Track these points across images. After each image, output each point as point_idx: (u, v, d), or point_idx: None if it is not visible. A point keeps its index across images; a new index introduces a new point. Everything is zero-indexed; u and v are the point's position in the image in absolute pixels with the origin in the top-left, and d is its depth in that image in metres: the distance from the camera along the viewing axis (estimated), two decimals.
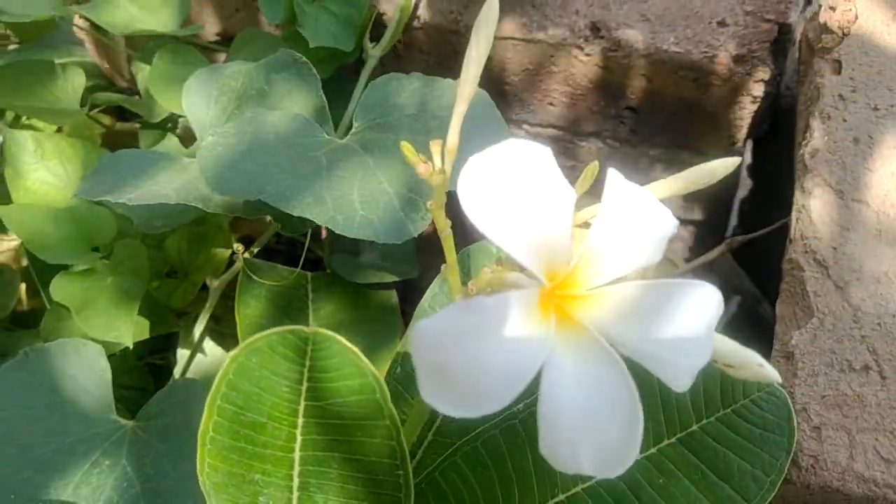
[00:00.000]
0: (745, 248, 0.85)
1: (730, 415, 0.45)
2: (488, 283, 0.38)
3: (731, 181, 0.87)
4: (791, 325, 0.48)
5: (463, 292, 0.42)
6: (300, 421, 0.37)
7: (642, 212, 0.33)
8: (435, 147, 0.42)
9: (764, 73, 0.69)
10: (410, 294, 0.83)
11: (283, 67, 0.65)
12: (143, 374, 0.84)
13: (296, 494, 0.38)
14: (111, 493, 0.55)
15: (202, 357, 0.74)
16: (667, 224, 0.33)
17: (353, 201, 0.53)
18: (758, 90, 0.70)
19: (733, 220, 0.93)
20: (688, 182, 0.40)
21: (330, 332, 0.35)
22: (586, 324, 0.31)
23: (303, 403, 0.36)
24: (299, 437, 0.37)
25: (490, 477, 0.47)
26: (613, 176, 0.33)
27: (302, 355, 0.35)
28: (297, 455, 0.38)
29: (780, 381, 0.31)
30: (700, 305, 0.32)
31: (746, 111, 0.73)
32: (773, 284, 0.81)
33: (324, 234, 0.92)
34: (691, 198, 0.86)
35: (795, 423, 0.43)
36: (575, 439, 0.30)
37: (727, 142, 0.77)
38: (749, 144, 0.85)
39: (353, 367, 0.35)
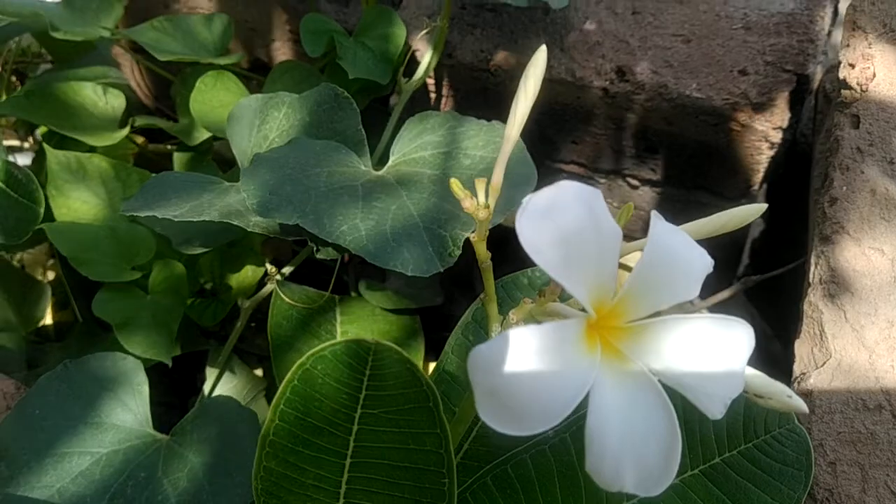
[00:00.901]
0: (757, 287, 0.88)
1: (751, 449, 0.47)
2: (529, 313, 0.40)
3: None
4: (809, 365, 0.50)
5: (499, 321, 0.45)
6: (355, 428, 0.39)
7: (682, 252, 0.36)
8: (479, 184, 0.45)
9: (782, 121, 0.72)
10: (429, 317, 0.86)
11: (326, 100, 0.68)
12: (169, 389, 0.87)
13: (342, 502, 0.41)
14: None
15: (230, 375, 0.77)
16: (703, 264, 0.36)
17: (385, 232, 0.56)
18: (775, 137, 0.73)
19: (745, 260, 0.96)
20: (718, 225, 0.43)
21: (390, 344, 0.37)
22: (629, 353, 0.34)
23: (359, 411, 0.39)
24: (352, 444, 0.39)
25: (518, 500, 0.49)
26: (657, 218, 0.35)
27: (363, 364, 0.38)
28: (348, 462, 0.40)
29: (806, 411, 0.33)
30: (734, 340, 0.34)
31: (763, 156, 0.76)
32: (784, 323, 0.83)
33: (346, 257, 0.95)
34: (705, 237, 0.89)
35: (813, 458, 0.46)
36: (619, 459, 0.32)
37: (744, 185, 0.80)
38: (763, 190, 0.88)
39: (410, 376, 0.38)
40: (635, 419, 0.32)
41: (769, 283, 0.88)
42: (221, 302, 0.77)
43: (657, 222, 0.35)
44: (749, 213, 0.43)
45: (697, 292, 0.35)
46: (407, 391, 0.38)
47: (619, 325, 0.34)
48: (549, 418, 0.31)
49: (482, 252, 0.45)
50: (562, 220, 0.32)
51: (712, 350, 0.34)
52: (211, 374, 0.75)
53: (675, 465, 0.32)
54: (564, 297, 0.40)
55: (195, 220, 0.59)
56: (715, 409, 0.33)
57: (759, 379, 0.36)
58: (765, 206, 0.43)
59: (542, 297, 0.40)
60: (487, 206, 0.44)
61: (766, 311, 0.86)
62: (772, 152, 0.75)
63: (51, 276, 1.01)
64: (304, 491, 0.41)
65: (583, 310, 0.35)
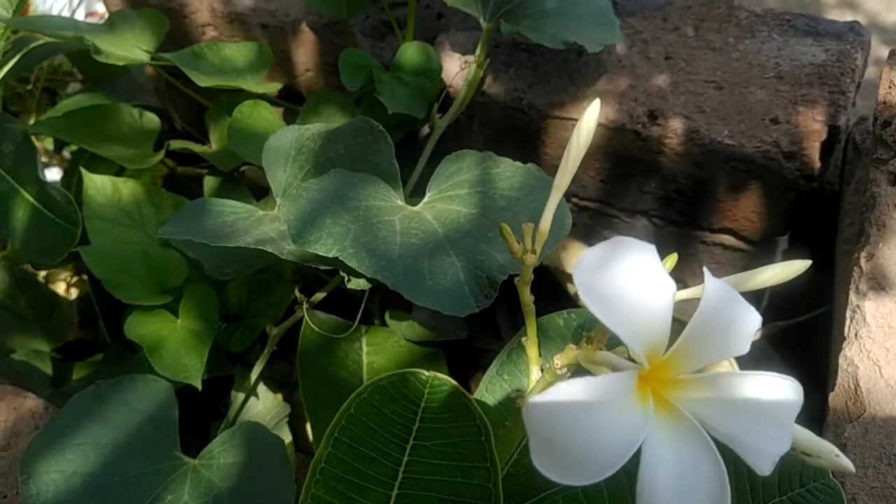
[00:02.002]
0: (781, 336, 0.88)
1: (786, 501, 0.47)
2: (574, 359, 0.41)
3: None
4: (843, 418, 0.51)
5: (539, 364, 0.45)
6: (406, 459, 0.40)
7: (733, 308, 0.36)
8: (527, 230, 0.45)
9: (812, 170, 0.73)
10: (451, 351, 0.86)
11: (361, 133, 0.68)
12: (191, 412, 0.87)
13: None
14: None
15: (254, 400, 0.77)
16: (753, 321, 0.36)
17: (422, 269, 0.56)
18: (804, 185, 0.74)
19: (765, 301, 0.96)
20: (763, 280, 0.43)
21: (446, 377, 0.38)
22: (680, 406, 0.34)
23: (411, 442, 0.39)
24: (401, 475, 0.40)
25: None
26: (709, 276, 0.36)
27: (419, 396, 0.38)
28: (395, 492, 0.40)
29: (853, 471, 0.34)
30: (784, 397, 0.35)
31: (791, 204, 0.76)
32: (804, 370, 0.83)
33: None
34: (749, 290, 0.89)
35: None
36: None
37: (769, 231, 0.81)
38: (786, 237, 0.89)
39: (464, 409, 0.38)
40: (686, 472, 0.33)
41: (790, 329, 0.88)
42: (249, 328, 0.77)
43: (710, 279, 0.36)
44: (793, 269, 0.43)
45: (748, 348, 0.35)
46: (460, 424, 0.39)
47: (671, 378, 0.35)
48: (602, 469, 0.31)
49: (526, 296, 0.46)
50: (618, 271, 0.33)
51: (762, 406, 0.35)
52: (236, 398, 0.76)
53: None
54: (610, 344, 0.41)
55: (230, 245, 0.60)
56: (764, 466, 0.34)
57: (806, 436, 0.36)
58: (808, 262, 0.43)
59: (588, 344, 0.40)
60: (535, 252, 0.45)
61: (785, 357, 0.86)
62: (799, 200, 0.76)
63: (74, 293, 1.02)
64: None
65: (632, 360, 0.36)
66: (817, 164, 0.73)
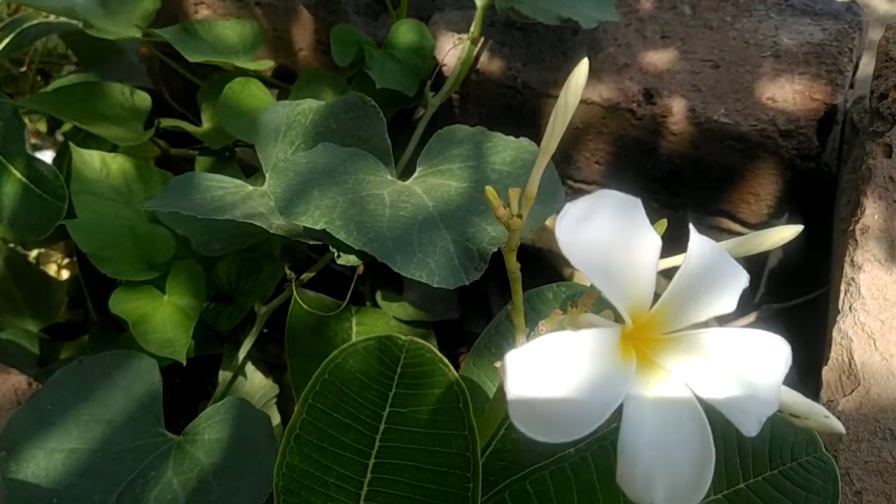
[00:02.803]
0: (777, 318, 0.87)
1: (777, 476, 0.46)
2: (560, 324, 0.40)
3: (763, 251, 0.89)
4: (837, 392, 0.50)
5: (526, 333, 0.44)
6: (382, 427, 0.38)
7: (720, 265, 0.35)
8: (514, 194, 0.44)
9: (809, 148, 0.72)
10: (442, 332, 0.85)
11: (353, 108, 0.67)
12: (180, 392, 0.86)
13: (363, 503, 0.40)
14: (155, 503, 0.57)
15: (242, 380, 0.76)
16: (740, 278, 0.35)
17: (411, 242, 0.55)
18: (801, 164, 0.73)
19: (762, 289, 0.95)
20: (753, 245, 0.42)
21: (423, 342, 0.37)
22: (664, 365, 0.33)
23: (387, 409, 0.38)
24: (378, 443, 0.39)
25: None
26: (694, 232, 0.35)
27: (395, 361, 0.37)
28: (372, 461, 0.39)
29: (843, 431, 0.33)
30: (771, 356, 0.34)
31: (788, 184, 0.75)
32: (800, 353, 0.82)
33: (361, 268, 0.95)
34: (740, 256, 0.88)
35: (839, 487, 0.45)
36: (650, 472, 0.31)
37: (766, 212, 0.80)
38: (784, 219, 0.88)
39: (441, 375, 0.37)
40: (669, 431, 0.32)
41: (787, 312, 0.87)
42: (238, 307, 0.76)
43: (695, 236, 0.35)
44: (784, 234, 0.42)
45: (734, 306, 0.34)
46: (437, 391, 0.38)
47: (655, 337, 0.34)
48: (581, 426, 0.30)
49: (512, 263, 0.44)
50: (602, 226, 0.32)
51: (749, 365, 0.34)
52: (224, 377, 0.75)
53: (707, 480, 0.32)
54: (596, 309, 0.40)
55: (218, 218, 0.59)
56: (750, 426, 0.33)
57: (795, 398, 0.35)
58: (800, 227, 0.42)
59: (574, 308, 0.39)
60: (521, 216, 0.44)
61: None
62: (796, 179, 0.75)
63: (65, 274, 1.01)
64: (326, 490, 0.40)
65: (618, 320, 0.35)
66: (814, 142, 0.72)
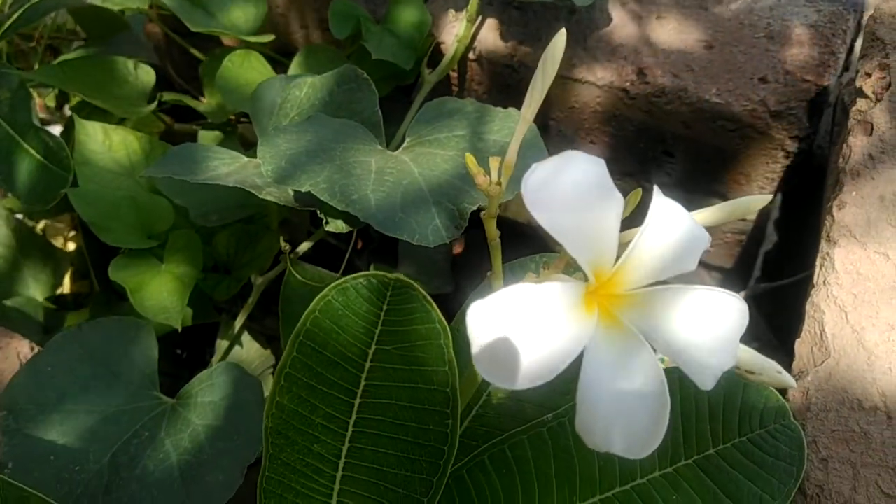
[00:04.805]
0: (766, 299, 0.88)
1: (745, 442, 0.47)
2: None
3: (758, 234, 0.90)
4: (808, 364, 0.51)
5: None
6: (368, 365, 0.40)
7: (682, 225, 0.36)
8: (493, 162, 0.45)
9: (799, 129, 0.73)
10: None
11: (346, 81, 0.69)
12: (178, 362, 0.88)
13: (347, 446, 0.42)
14: (147, 462, 0.58)
15: (239, 349, 0.78)
16: (701, 238, 0.37)
17: (395, 204, 0.57)
18: (791, 146, 0.73)
19: (756, 272, 0.96)
20: (726, 213, 0.43)
21: (409, 280, 0.38)
22: (624, 320, 0.34)
23: (374, 347, 0.40)
24: (363, 382, 0.40)
25: (513, 480, 0.50)
26: (658, 193, 0.36)
27: (382, 298, 0.39)
28: (357, 401, 0.41)
29: (794, 385, 0.34)
30: (728, 313, 0.35)
31: (779, 165, 0.76)
32: (791, 335, 0.83)
33: (359, 244, 0.96)
34: (719, 246, 0.89)
35: (805, 454, 0.46)
36: (608, 420, 0.33)
37: (757, 193, 0.80)
38: (778, 200, 0.89)
39: (424, 312, 0.39)
40: (626, 382, 0.33)
41: (779, 294, 0.88)
42: (235, 278, 0.78)
43: (659, 196, 0.36)
44: (755, 202, 0.43)
45: (695, 265, 0.35)
46: (420, 327, 0.39)
47: (618, 294, 0.35)
48: (541, 374, 0.32)
49: (492, 229, 0.46)
50: (567, 183, 0.33)
51: (707, 321, 0.35)
52: (221, 346, 0.76)
53: (662, 429, 0.33)
54: (569, 273, 0.41)
55: (210, 183, 0.61)
56: (706, 380, 0.34)
57: (750, 355, 0.37)
58: (769, 197, 0.43)
59: (546, 270, 0.41)
60: (499, 184, 0.45)
61: (773, 321, 0.86)
62: (787, 161, 0.76)
63: (71, 247, 1.03)
64: (313, 431, 0.42)
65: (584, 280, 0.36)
66: (805, 123, 0.73)
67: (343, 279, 0.40)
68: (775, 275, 0.91)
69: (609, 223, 0.34)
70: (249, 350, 0.78)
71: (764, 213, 0.88)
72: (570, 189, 0.33)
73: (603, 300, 0.35)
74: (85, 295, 0.99)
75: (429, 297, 0.40)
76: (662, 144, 0.80)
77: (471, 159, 0.44)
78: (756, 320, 0.90)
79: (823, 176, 0.80)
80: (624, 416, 0.33)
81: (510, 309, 0.32)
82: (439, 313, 0.40)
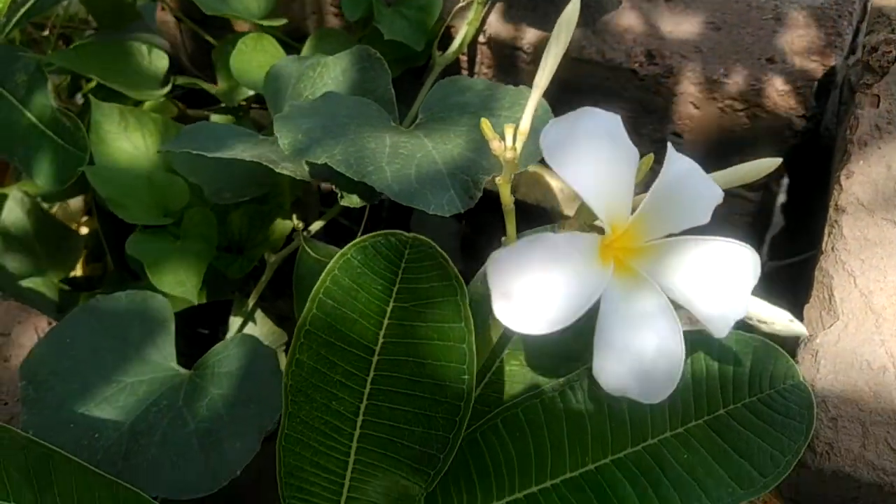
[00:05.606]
0: (775, 277, 0.89)
1: (755, 402, 0.48)
2: None
3: (765, 218, 0.91)
4: (817, 327, 0.52)
5: None
6: (385, 322, 0.41)
7: (694, 180, 0.37)
8: (508, 129, 0.47)
9: (806, 108, 0.74)
10: None
11: (359, 61, 0.70)
12: (191, 341, 0.89)
13: (365, 403, 0.43)
14: (167, 429, 0.59)
15: (252, 326, 0.79)
16: (714, 193, 0.38)
17: (409, 175, 0.58)
18: (799, 124, 0.74)
19: (763, 256, 0.97)
20: (738, 176, 0.44)
21: (426, 239, 0.39)
22: (640, 270, 0.35)
23: (391, 304, 0.41)
24: (381, 339, 0.41)
25: (526, 443, 0.51)
26: (672, 149, 0.37)
27: (399, 256, 0.40)
28: (375, 358, 0.42)
29: (806, 334, 0.35)
30: (741, 263, 0.36)
31: (786, 145, 0.77)
32: (798, 310, 0.84)
33: (369, 226, 0.97)
34: (726, 229, 0.90)
35: (815, 413, 0.47)
36: (624, 365, 0.34)
37: (765, 175, 0.81)
38: (784, 184, 0.89)
39: (441, 269, 0.40)
40: (642, 328, 0.34)
41: (785, 275, 0.89)
42: (248, 257, 0.79)
43: (672, 152, 0.37)
44: (767, 164, 0.44)
45: (708, 219, 0.36)
46: (437, 284, 0.40)
47: (633, 247, 0.36)
48: (560, 318, 0.33)
49: (506, 195, 0.47)
50: (584, 136, 0.34)
51: (720, 271, 0.36)
52: (234, 323, 0.78)
53: (677, 374, 0.34)
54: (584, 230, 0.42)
55: (225, 156, 0.62)
56: (719, 328, 0.35)
57: (762, 305, 0.38)
58: (779, 160, 0.44)
59: (562, 227, 0.42)
60: (514, 149, 0.46)
61: (780, 302, 0.87)
62: (794, 140, 0.77)
63: (84, 231, 1.04)
64: (331, 388, 0.42)
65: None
66: (812, 102, 0.73)
67: (361, 238, 0.41)
68: (781, 258, 0.92)
69: (625, 175, 0.35)
70: (262, 327, 0.79)
71: (768, 198, 0.89)
72: (587, 141, 0.35)
73: (619, 253, 0.36)
74: (97, 278, 1.00)
75: (445, 255, 0.40)
76: (672, 125, 0.81)
77: (486, 124, 0.45)
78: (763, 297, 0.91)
79: (830, 157, 0.81)
80: (639, 362, 0.34)
81: (530, 256, 0.33)
82: (456, 271, 0.41)
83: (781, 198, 0.94)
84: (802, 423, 0.47)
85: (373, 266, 0.41)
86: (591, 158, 0.34)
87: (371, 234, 0.40)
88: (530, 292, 0.33)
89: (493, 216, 0.71)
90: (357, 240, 0.40)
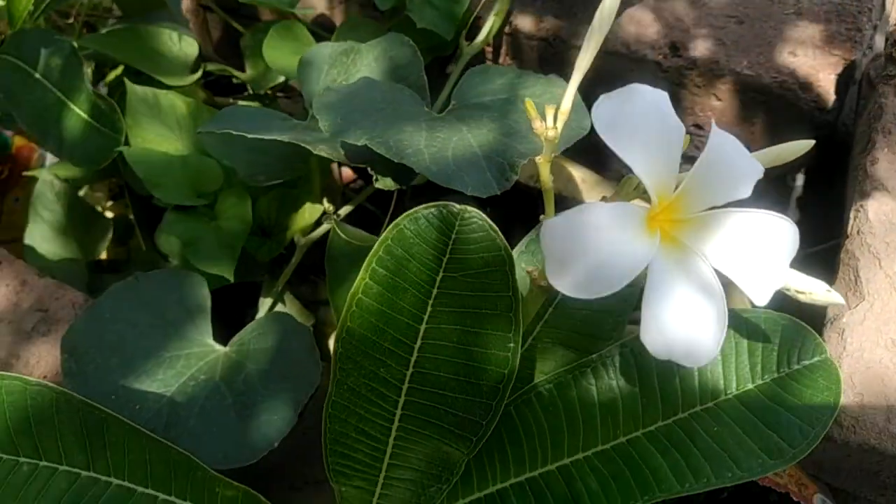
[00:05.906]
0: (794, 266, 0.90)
1: (784, 378, 0.50)
2: None
3: (781, 211, 0.92)
4: (843, 307, 0.53)
5: None
6: (435, 291, 0.43)
7: (736, 155, 0.39)
8: (549, 109, 0.48)
9: (826, 102, 0.75)
10: None
11: (392, 48, 0.72)
12: (221, 324, 0.91)
13: (411, 371, 0.44)
14: (205, 401, 0.61)
15: (280, 306, 0.81)
16: (755, 168, 0.39)
17: (447, 157, 0.59)
18: (819, 117, 0.76)
19: None
20: (773, 156, 0.46)
21: (476, 210, 0.41)
22: (685, 241, 0.37)
23: (441, 274, 0.42)
24: (429, 308, 0.43)
25: (559, 417, 0.52)
26: (715, 127, 0.39)
27: (451, 227, 0.41)
28: (423, 326, 0.43)
29: (843, 303, 0.37)
30: (780, 234, 0.38)
31: (806, 137, 0.79)
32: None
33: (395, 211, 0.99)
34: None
35: (841, 388, 0.49)
36: (670, 329, 0.35)
37: (784, 166, 0.83)
38: (801, 178, 0.91)
39: (490, 241, 0.41)
40: (687, 295, 0.36)
41: (801, 266, 0.90)
42: (277, 240, 0.81)
43: (716, 129, 0.39)
44: (801, 146, 0.46)
45: (749, 192, 0.38)
46: (486, 255, 0.42)
47: (677, 219, 0.38)
48: (609, 285, 0.34)
49: (545, 174, 0.48)
50: (633, 111, 0.36)
51: (760, 241, 0.38)
52: (264, 304, 0.79)
53: (720, 338, 0.36)
54: None
55: (265, 137, 0.63)
56: (760, 296, 0.37)
57: (800, 276, 0.39)
58: (812, 142, 0.46)
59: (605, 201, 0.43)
60: (556, 128, 0.48)
61: None
62: (814, 133, 0.78)
63: (109, 215, 1.06)
64: (381, 355, 0.44)
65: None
66: (832, 95, 0.75)
67: (415, 209, 0.42)
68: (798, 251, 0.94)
69: (672, 149, 0.37)
70: (291, 308, 0.81)
71: (784, 191, 0.90)
72: (636, 116, 0.36)
73: (664, 224, 0.38)
74: (123, 262, 1.02)
75: (495, 227, 0.42)
76: (693, 117, 0.82)
77: (530, 104, 0.47)
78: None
79: (847, 152, 0.82)
80: (684, 327, 0.36)
81: (580, 224, 0.35)
82: (505, 242, 0.42)
83: (797, 192, 0.95)
84: (830, 397, 0.49)
85: (425, 236, 0.42)
86: (641, 133, 0.36)
87: (423, 206, 0.42)
88: (583, 258, 0.34)
89: (509, 209, 0.72)
90: (409, 211, 0.42)
